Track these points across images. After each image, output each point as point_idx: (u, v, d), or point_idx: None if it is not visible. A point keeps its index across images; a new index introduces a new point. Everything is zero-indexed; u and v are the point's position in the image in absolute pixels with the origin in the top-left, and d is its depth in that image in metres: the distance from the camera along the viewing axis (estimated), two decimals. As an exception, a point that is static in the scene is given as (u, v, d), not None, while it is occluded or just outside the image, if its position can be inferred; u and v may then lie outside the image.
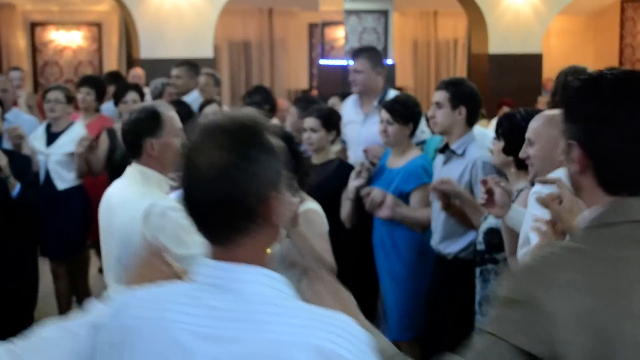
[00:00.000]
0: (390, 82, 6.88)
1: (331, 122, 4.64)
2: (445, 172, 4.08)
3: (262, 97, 5.92)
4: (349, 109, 5.43)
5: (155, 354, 1.48)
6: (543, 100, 9.46)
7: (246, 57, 15.26)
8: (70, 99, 5.82)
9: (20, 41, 13.77)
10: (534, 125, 3.10)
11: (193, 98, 6.67)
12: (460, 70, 15.47)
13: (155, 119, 3.10)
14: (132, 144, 3.15)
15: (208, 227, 1.51)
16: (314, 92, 12.11)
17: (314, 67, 15.12)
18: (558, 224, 2.26)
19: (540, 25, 12.22)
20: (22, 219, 4.79)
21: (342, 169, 4.66)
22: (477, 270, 3.60)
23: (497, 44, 11.97)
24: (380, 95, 5.26)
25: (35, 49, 13.93)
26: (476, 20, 12.15)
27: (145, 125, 3.11)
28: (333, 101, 6.19)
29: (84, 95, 6.31)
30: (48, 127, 5.83)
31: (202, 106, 6.05)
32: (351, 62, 5.38)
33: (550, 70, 10.97)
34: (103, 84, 6.65)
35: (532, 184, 3.04)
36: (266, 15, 15.30)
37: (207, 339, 1.44)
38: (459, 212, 3.91)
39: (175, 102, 5.37)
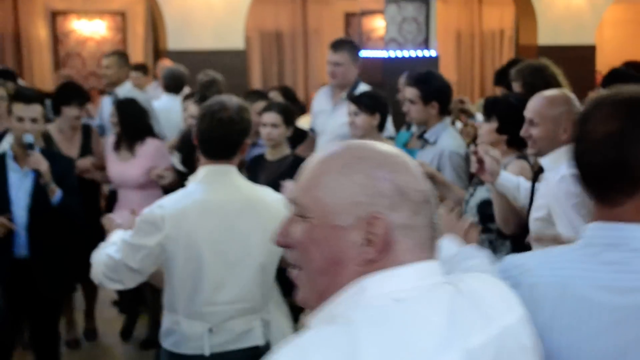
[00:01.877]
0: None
1: (291, 117, 4.85)
2: (419, 158, 4.39)
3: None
4: (321, 99, 5.75)
5: (563, 308, 1.61)
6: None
7: (278, 49, 15.16)
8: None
9: (40, 31, 13.60)
10: (535, 106, 3.37)
11: (126, 89, 6.69)
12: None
13: (249, 117, 3.16)
14: (235, 145, 3.11)
15: (597, 188, 1.64)
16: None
17: (350, 60, 14.95)
18: None
19: (594, 14, 12.05)
20: (64, 229, 4.58)
21: (298, 164, 4.59)
22: None
23: (547, 35, 11.78)
24: (350, 87, 5.47)
25: (56, 39, 13.74)
26: (524, 9, 11.94)
27: (247, 125, 3.13)
28: (273, 95, 6.25)
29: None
30: None
31: None
32: (331, 54, 5.56)
33: (603, 64, 10.87)
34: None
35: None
36: (299, 4, 15.15)
37: (610, 290, 1.57)
38: None
39: (126, 101, 5.53)
